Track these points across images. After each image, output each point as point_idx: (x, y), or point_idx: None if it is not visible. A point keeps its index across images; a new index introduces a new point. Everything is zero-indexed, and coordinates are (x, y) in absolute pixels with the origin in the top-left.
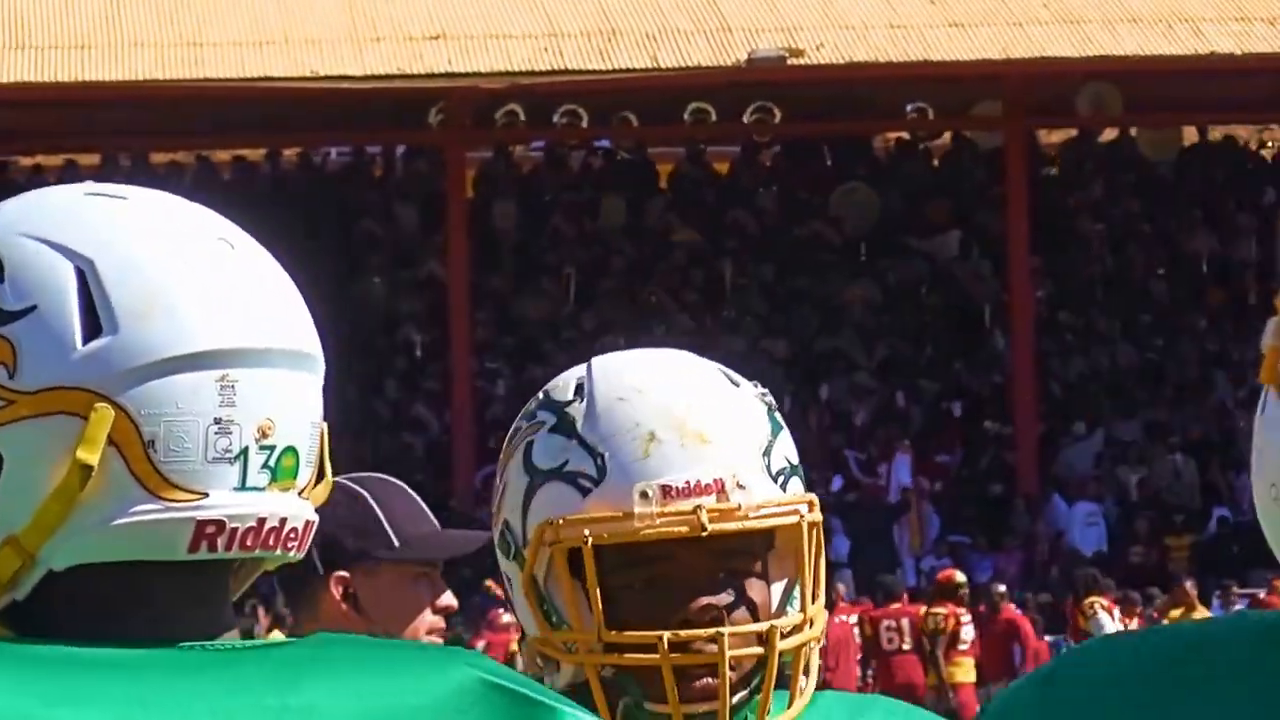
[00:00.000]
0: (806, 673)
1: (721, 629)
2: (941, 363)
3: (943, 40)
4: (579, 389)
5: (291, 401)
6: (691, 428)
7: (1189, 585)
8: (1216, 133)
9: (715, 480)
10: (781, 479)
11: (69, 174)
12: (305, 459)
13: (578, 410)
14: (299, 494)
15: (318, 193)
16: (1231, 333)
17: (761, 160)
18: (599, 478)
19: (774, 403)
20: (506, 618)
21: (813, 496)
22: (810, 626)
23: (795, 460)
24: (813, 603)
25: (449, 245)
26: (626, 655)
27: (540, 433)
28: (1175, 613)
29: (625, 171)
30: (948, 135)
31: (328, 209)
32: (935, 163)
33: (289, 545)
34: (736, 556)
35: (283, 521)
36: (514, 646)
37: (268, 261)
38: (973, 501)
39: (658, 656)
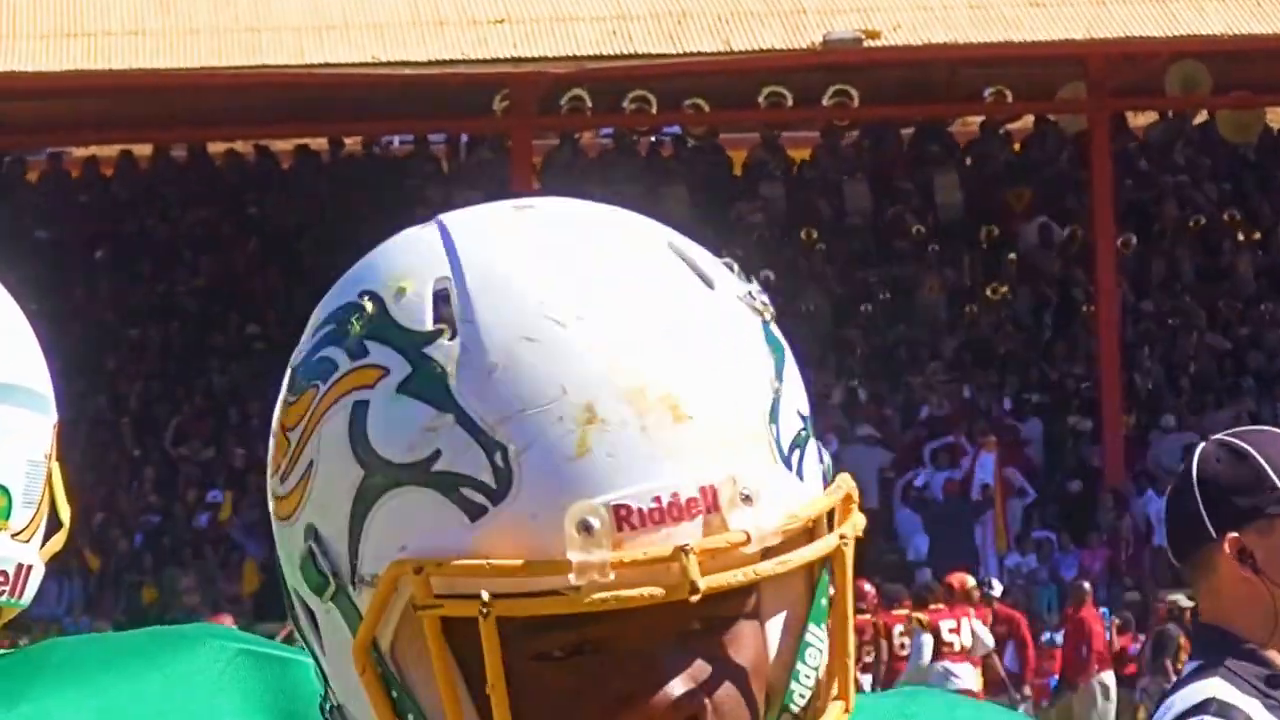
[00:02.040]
0: None
1: None
2: (1024, 354)
3: (1024, 20)
4: (442, 305)
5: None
6: (655, 392)
7: None
8: None
9: (704, 489)
10: (797, 458)
11: (124, 164)
12: (21, 500)
13: (449, 354)
14: (14, 536)
15: (380, 181)
16: None
17: (837, 146)
18: (501, 488)
19: (768, 306)
20: None
21: (845, 484)
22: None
23: (808, 410)
24: (845, 668)
25: None
26: None
27: (381, 388)
28: None
29: (696, 158)
30: (1030, 119)
31: (390, 198)
32: (1017, 147)
33: None
34: (724, 601)
35: None
36: None
37: None
38: (1057, 498)
39: None
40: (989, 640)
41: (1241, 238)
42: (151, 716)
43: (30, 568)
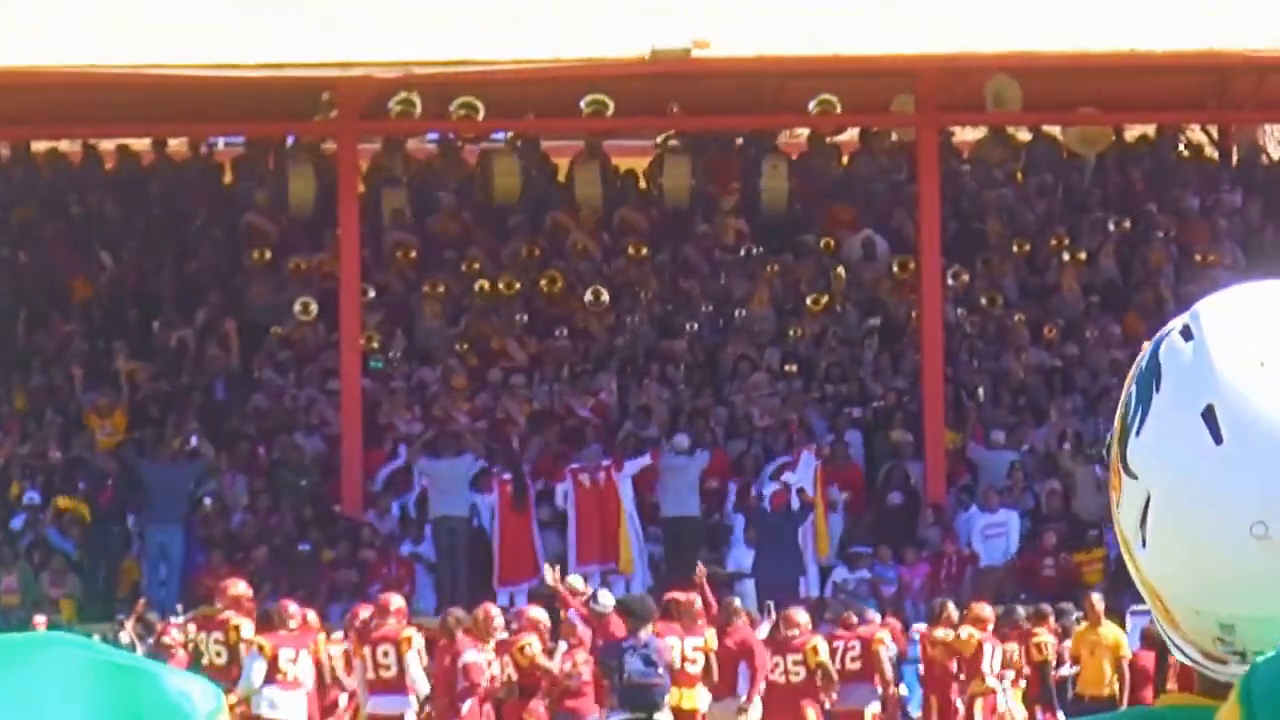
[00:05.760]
0: None
1: None
2: (846, 366)
3: (854, 33)
4: None
5: None
6: None
7: (1096, 599)
8: (1133, 133)
9: None
10: None
11: None
12: None
13: None
14: None
15: (205, 183)
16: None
17: (663, 154)
18: None
19: None
20: (398, 601)
21: None
22: None
23: None
24: None
25: (340, 240)
26: None
27: None
28: (1080, 628)
29: (524, 166)
30: (857, 132)
31: (215, 200)
32: (844, 160)
33: None
34: None
35: None
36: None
37: None
38: (877, 512)
39: None
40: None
41: (1067, 256)
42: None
43: None
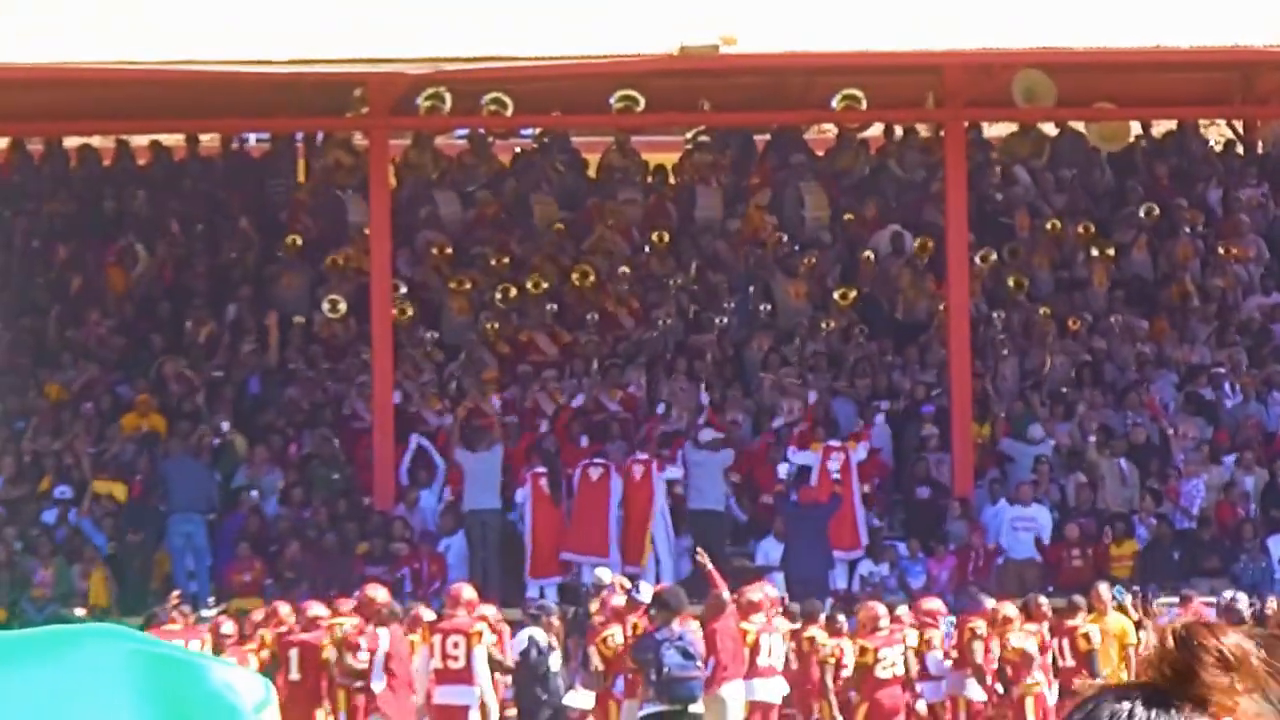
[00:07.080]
0: None
1: None
2: (875, 361)
3: (881, 29)
4: None
5: None
6: None
7: (1103, 589)
8: (1160, 128)
9: None
10: None
11: None
12: None
13: None
14: None
15: (237, 179)
16: (1174, 334)
17: (691, 151)
18: None
19: None
20: (469, 592)
21: None
22: None
23: None
24: None
25: (372, 234)
26: None
27: None
28: (1089, 616)
29: (554, 162)
30: (885, 128)
31: (247, 196)
32: (871, 155)
33: None
34: None
35: None
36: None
37: None
38: (905, 506)
39: None
40: None
41: (1096, 251)
42: (47, 708)
43: None
